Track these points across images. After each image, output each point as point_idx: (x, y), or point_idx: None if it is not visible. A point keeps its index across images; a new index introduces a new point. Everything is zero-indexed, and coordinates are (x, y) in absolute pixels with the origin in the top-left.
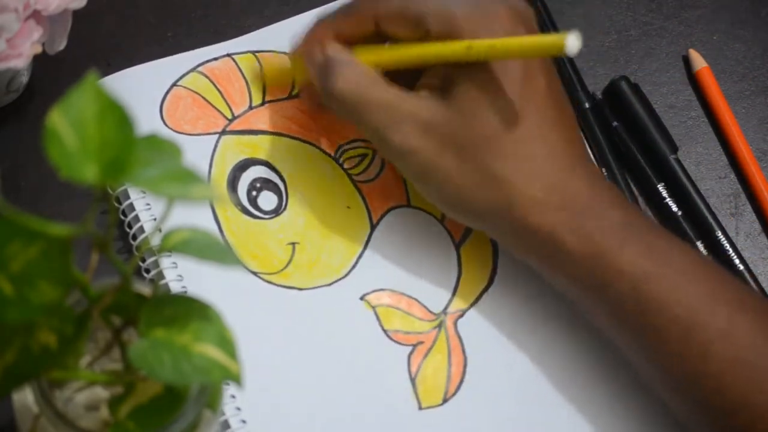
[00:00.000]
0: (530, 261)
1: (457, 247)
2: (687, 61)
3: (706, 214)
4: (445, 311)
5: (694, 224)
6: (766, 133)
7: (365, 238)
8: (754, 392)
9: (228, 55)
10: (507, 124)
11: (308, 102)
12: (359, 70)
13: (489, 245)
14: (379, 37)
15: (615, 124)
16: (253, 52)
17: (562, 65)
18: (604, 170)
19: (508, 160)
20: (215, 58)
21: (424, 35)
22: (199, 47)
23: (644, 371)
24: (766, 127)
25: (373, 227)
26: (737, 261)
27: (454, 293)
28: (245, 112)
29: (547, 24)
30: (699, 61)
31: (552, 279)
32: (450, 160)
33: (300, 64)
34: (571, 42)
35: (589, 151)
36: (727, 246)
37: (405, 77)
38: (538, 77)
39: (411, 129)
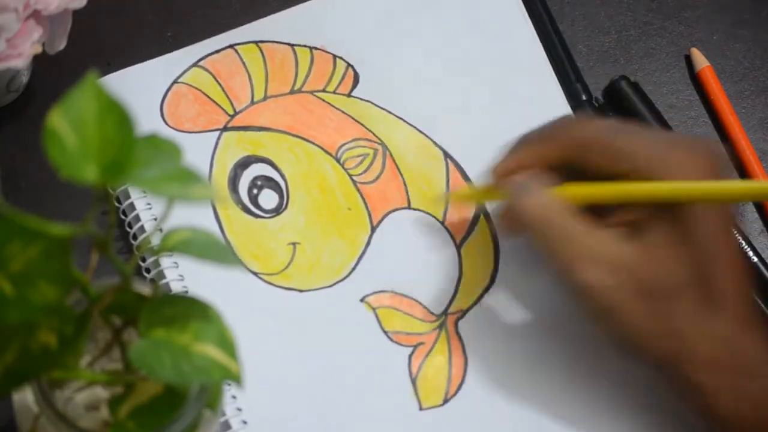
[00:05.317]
0: (689, 409)
1: (458, 248)
2: (688, 61)
3: None
4: (445, 312)
5: None
6: (766, 133)
7: (366, 240)
8: None
9: (230, 46)
10: (695, 279)
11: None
12: (551, 198)
13: (490, 246)
14: (577, 165)
15: None
16: (256, 42)
17: (560, 60)
18: None
19: (689, 314)
20: (217, 51)
21: (626, 173)
22: None
23: None
24: (766, 127)
25: (373, 229)
26: (751, 253)
27: (454, 294)
28: (247, 107)
29: (547, 23)
30: (701, 61)
31: (708, 426)
32: (632, 304)
33: (496, 184)
34: None
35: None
36: (741, 240)
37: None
38: (731, 234)
39: (597, 267)
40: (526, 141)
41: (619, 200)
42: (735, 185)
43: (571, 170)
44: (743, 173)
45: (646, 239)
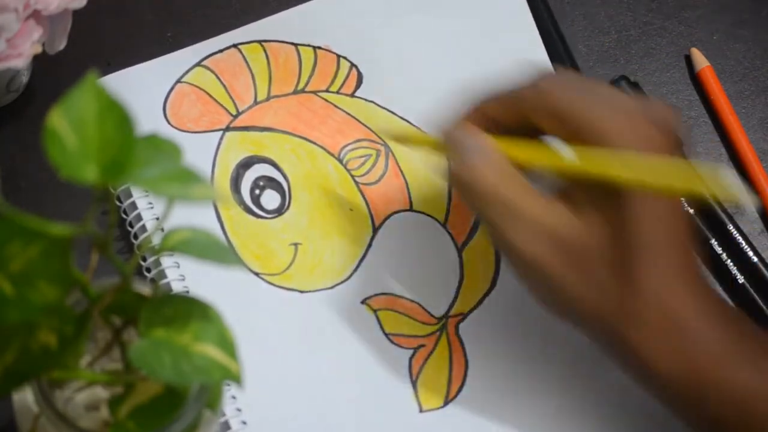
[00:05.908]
0: (627, 373)
1: (459, 251)
2: (688, 61)
3: (716, 208)
4: (446, 315)
5: (705, 219)
6: (766, 133)
7: (367, 242)
8: None
9: (234, 45)
10: (636, 253)
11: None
12: (491, 158)
13: (491, 249)
14: (527, 127)
15: None
16: (260, 42)
17: (562, 61)
18: None
19: (626, 283)
20: (220, 50)
21: (569, 136)
22: None
23: None
24: (766, 127)
25: (375, 230)
26: (751, 253)
27: (455, 297)
28: (250, 107)
29: (549, 25)
30: (701, 61)
31: (647, 391)
32: (567, 272)
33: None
34: (723, 177)
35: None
36: (740, 239)
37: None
38: (676, 211)
39: (532, 234)
40: (476, 101)
41: (556, 171)
42: (664, 168)
43: (525, 129)
44: (743, 173)
45: (587, 211)
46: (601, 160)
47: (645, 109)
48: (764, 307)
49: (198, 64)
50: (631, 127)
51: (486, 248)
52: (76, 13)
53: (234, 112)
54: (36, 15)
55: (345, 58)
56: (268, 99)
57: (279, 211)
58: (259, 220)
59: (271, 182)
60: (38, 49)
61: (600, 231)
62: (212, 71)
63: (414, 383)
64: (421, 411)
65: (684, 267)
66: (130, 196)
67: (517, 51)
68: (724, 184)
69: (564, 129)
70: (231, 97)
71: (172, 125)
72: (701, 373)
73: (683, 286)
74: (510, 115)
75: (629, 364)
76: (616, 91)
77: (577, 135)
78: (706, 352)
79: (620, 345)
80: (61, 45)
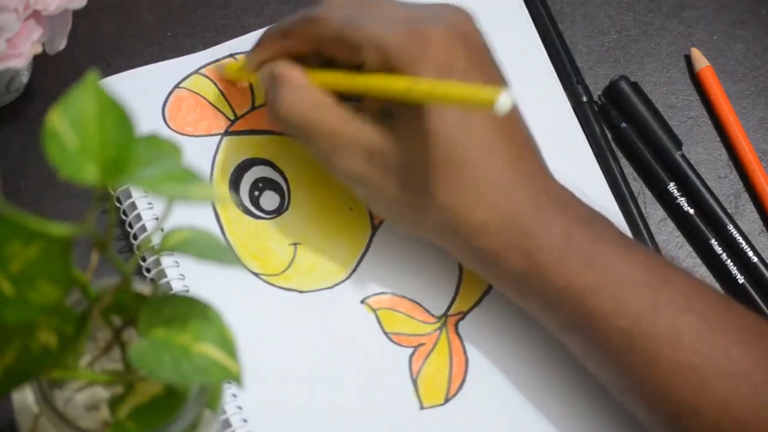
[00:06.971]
0: (480, 275)
1: None
2: (688, 61)
3: (717, 209)
4: (446, 314)
5: (705, 219)
6: (766, 133)
7: (366, 240)
8: (700, 395)
9: (231, 55)
10: (449, 151)
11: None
12: (305, 93)
13: None
14: (322, 57)
15: (623, 125)
16: None
17: (561, 61)
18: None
19: (451, 186)
20: (218, 60)
21: (361, 63)
22: (199, 47)
23: (598, 377)
24: (766, 127)
25: (374, 229)
26: (751, 254)
27: (455, 296)
28: (248, 112)
29: (548, 24)
30: (701, 61)
31: (501, 291)
32: (394, 186)
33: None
34: (502, 101)
35: (541, 159)
36: (741, 240)
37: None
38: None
39: (355, 156)
40: (270, 36)
41: (361, 92)
42: (447, 89)
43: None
44: (743, 173)
45: (396, 122)
46: (391, 81)
47: (427, 18)
48: (764, 307)
49: (195, 72)
50: (408, 39)
51: None
52: (76, 13)
53: (232, 117)
54: (36, 15)
55: None
56: (265, 104)
57: (278, 212)
58: (259, 220)
59: (270, 183)
60: (38, 49)
61: (412, 141)
62: (210, 79)
63: (414, 381)
64: (421, 408)
65: (512, 160)
66: (130, 196)
67: (516, 51)
68: (498, 103)
69: (350, 54)
70: (229, 103)
71: (171, 128)
72: (541, 269)
73: (515, 183)
74: (302, 47)
75: (483, 269)
76: (394, 4)
77: (357, 55)
78: (543, 250)
79: (466, 250)
80: (61, 45)
